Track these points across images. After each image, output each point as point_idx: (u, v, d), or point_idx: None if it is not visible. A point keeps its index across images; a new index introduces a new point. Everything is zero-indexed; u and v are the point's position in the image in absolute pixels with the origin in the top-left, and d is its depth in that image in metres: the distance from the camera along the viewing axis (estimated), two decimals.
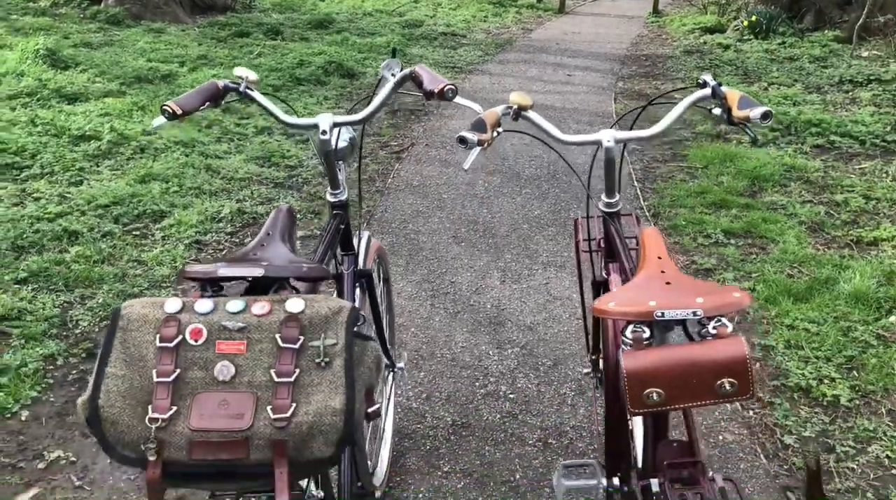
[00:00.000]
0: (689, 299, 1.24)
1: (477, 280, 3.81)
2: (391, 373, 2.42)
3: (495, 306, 3.56)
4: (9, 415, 2.71)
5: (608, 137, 1.87)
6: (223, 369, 1.10)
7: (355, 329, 1.16)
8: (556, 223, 4.48)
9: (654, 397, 1.17)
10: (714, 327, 1.22)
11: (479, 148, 1.77)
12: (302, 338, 1.12)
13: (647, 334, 1.24)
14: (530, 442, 2.65)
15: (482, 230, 4.40)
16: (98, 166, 5.07)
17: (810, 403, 2.88)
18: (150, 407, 1.08)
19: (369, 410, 1.16)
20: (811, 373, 3.02)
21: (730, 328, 1.22)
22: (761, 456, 2.62)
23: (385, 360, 2.36)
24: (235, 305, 1.14)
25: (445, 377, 3.01)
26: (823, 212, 4.63)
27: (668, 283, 1.32)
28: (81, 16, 10.90)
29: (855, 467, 2.56)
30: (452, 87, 1.80)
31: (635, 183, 5.25)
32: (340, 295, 1.95)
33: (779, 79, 8.26)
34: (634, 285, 1.37)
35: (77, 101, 6.49)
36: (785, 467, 2.57)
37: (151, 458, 1.06)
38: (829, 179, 5.18)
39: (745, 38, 10.92)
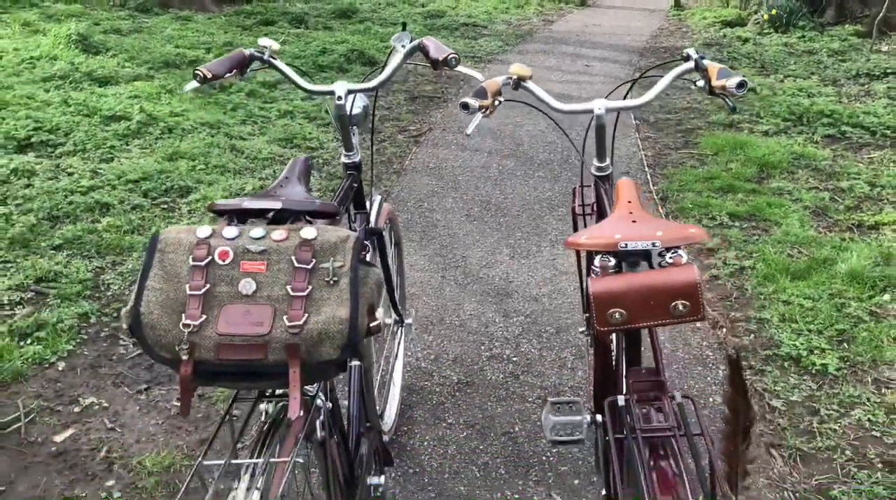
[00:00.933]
0: (650, 233, 1.41)
1: (487, 255, 3.98)
2: (400, 328, 2.60)
3: (503, 279, 3.73)
4: (47, 365, 2.92)
5: (599, 105, 2.03)
6: (246, 285, 1.28)
7: (363, 257, 1.35)
8: (566, 204, 4.63)
9: (617, 317, 1.34)
10: (671, 257, 1.39)
11: (480, 113, 1.94)
12: (314, 260, 1.30)
13: (612, 262, 1.41)
14: (530, 400, 2.82)
15: (494, 210, 4.56)
16: (128, 145, 5.29)
17: (799, 371, 3.03)
18: (183, 315, 1.26)
19: (371, 324, 1.33)
20: (802, 344, 3.16)
21: (684, 258, 1.38)
22: None
23: (394, 315, 2.54)
24: (257, 232, 1.32)
25: (453, 341, 3.19)
26: (828, 197, 4.74)
27: (633, 221, 1.49)
28: (112, 3, 11.16)
29: (837, 428, 2.71)
30: (455, 55, 1.97)
31: (646, 168, 5.39)
32: None
33: (795, 71, 8.32)
34: (604, 223, 1.55)
35: (107, 84, 6.72)
36: (771, 427, 2.72)
37: (184, 357, 1.25)
38: (836, 167, 5.28)
39: (765, 31, 10.97)
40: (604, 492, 1.74)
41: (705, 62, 1.98)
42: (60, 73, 6.83)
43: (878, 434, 2.67)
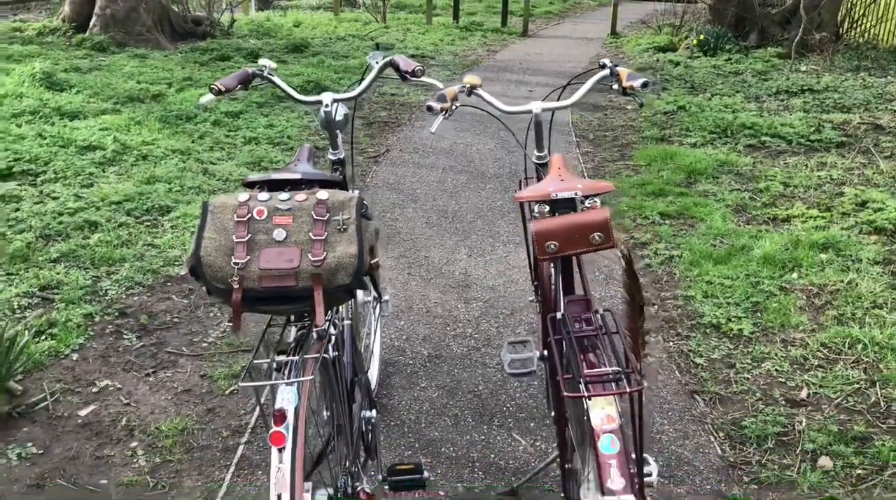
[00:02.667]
0: (573, 186, 1.88)
1: (447, 255, 4.44)
2: (379, 304, 3.04)
3: (462, 274, 4.19)
4: (62, 356, 3.28)
5: (537, 106, 2.51)
6: (278, 234, 1.70)
7: (363, 212, 1.79)
8: (515, 210, 5.13)
9: (552, 247, 1.80)
10: (589, 203, 1.86)
11: (442, 114, 2.41)
12: (328, 214, 1.73)
13: (547, 209, 1.88)
14: (490, 367, 3.27)
15: (451, 217, 5.04)
16: (104, 172, 5.64)
17: (719, 336, 3.54)
18: (232, 257, 1.68)
19: (371, 261, 1.77)
20: (722, 314, 3.68)
21: (598, 204, 1.86)
22: (676, 372, 3.26)
23: (373, 292, 2.98)
24: (284, 195, 1.75)
25: (422, 324, 3.63)
26: (748, 197, 5.33)
27: (562, 180, 1.96)
28: (67, 44, 11.44)
29: (749, 377, 3.21)
30: (421, 68, 2.45)
31: (586, 177, 5.92)
32: None
33: (722, 90, 9.03)
34: (541, 183, 2.01)
35: (77, 118, 7.05)
36: (694, 379, 3.21)
37: (235, 287, 1.66)
38: (756, 172, 5.90)
39: (694, 55, 11.74)
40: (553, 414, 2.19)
41: (617, 69, 2.48)
42: (30, 110, 7.15)
43: (783, 380, 3.18)
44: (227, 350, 3.38)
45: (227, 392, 3.09)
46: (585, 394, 1.63)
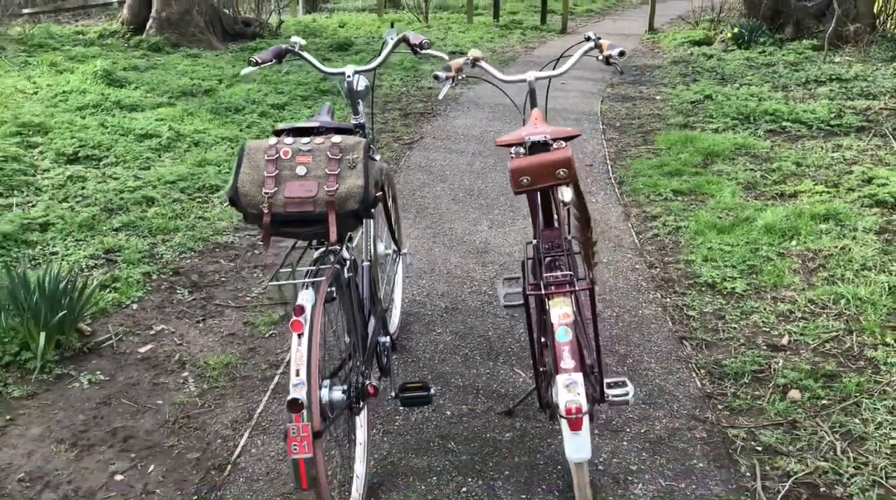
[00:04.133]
0: (544, 131, 2.24)
1: (470, 226, 4.82)
2: (399, 257, 3.44)
3: (483, 242, 4.56)
4: (124, 306, 3.75)
5: (532, 76, 2.87)
6: (300, 170, 2.10)
7: (370, 154, 2.18)
8: None
9: (525, 181, 2.15)
10: (556, 145, 2.21)
11: (449, 82, 2.79)
12: (341, 154, 2.12)
13: (522, 150, 2.23)
14: (500, 316, 3.64)
15: (477, 194, 5.41)
16: (160, 157, 6.16)
17: (713, 293, 3.85)
18: (263, 188, 2.08)
19: (376, 194, 2.16)
20: (718, 275, 3.98)
21: (564, 145, 2.21)
22: (669, 322, 3.58)
23: (394, 246, 3.37)
24: (305, 139, 2.14)
25: (442, 283, 4.02)
26: (759, 175, 5.60)
27: (535, 127, 2.32)
28: (126, 45, 12.12)
29: (736, 327, 3.52)
30: (428, 41, 2.84)
31: (608, 161, 6.24)
32: None
33: (751, 81, 9.22)
34: (519, 130, 2.37)
35: (135, 110, 7.62)
36: (684, 327, 3.53)
37: (265, 211, 2.06)
38: (772, 154, 6.14)
39: (729, 48, 11.91)
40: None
41: (600, 41, 2.83)
42: (93, 103, 7.73)
43: (767, 330, 3.49)
44: (268, 303, 3.81)
45: (266, 335, 3.51)
46: (543, 292, 2.00)
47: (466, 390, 3.05)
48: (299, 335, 1.98)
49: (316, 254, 2.27)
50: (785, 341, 3.38)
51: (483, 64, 2.91)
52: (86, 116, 7.28)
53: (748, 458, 2.64)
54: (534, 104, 2.94)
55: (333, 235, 2.08)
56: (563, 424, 1.89)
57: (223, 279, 4.10)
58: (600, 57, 2.85)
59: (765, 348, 3.33)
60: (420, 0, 17.08)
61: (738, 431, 2.78)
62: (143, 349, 3.39)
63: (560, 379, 1.92)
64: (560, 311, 2.00)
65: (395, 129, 7.36)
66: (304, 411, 1.90)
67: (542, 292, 2.01)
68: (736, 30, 12.16)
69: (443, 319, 3.63)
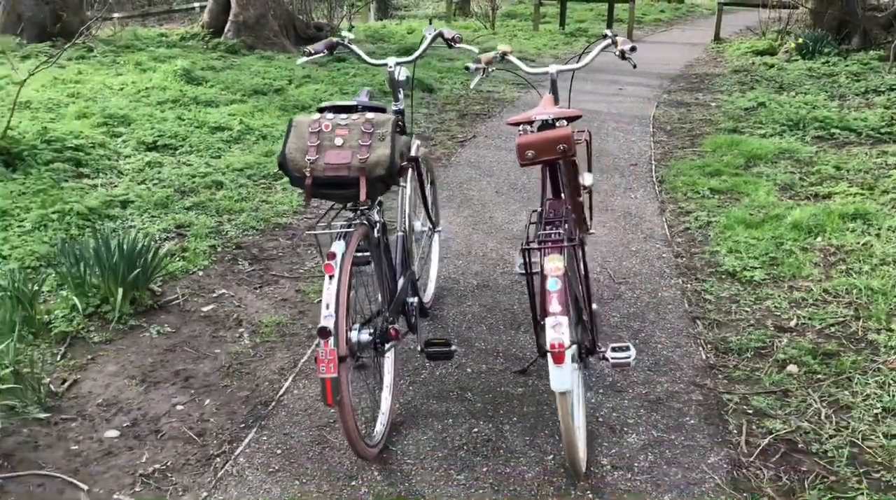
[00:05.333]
0: (548, 112, 2.55)
1: (509, 216, 5.14)
2: (434, 233, 3.80)
3: (520, 230, 4.88)
4: (191, 273, 4.19)
5: (553, 68, 3.19)
6: (338, 141, 2.47)
7: (398, 129, 2.54)
8: None
9: (530, 155, 2.46)
10: (558, 124, 2.51)
11: (480, 74, 3.13)
12: (372, 128, 2.48)
13: (529, 128, 2.55)
14: (526, 294, 3.94)
15: (519, 188, 5.73)
16: (230, 147, 6.66)
17: (733, 281, 4.08)
18: (306, 155, 2.45)
19: (402, 163, 2.51)
20: (739, 265, 4.21)
21: (565, 124, 2.51)
22: (685, 304, 3.84)
23: (429, 223, 3.72)
24: (343, 115, 2.51)
25: (476, 263, 4.35)
26: (797, 177, 5.76)
27: (543, 109, 2.63)
28: (205, 47, 12.81)
29: (749, 310, 3.75)
30: (460, 35, 3.20)
31: (652, 161, 6.48)
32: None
33: (808, 90, 9.29)
34: (528, 111, 2.68)
35: (210, 105, 8.17)
36: (699, 309, 3.78)
37: (307, 174, 2.43)
38: (815, 159, 6.28)
39: (792, 59, 11.92)
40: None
41: (616, 38, 3.13)
42: (172, 98, 8.33)
43: (778, 314, 3.71)
44: (319, 275, 4.20)
45: (315, 301, 3.90)
46: (536, 247, 2.32)
47: (488, 352, 3.38)
48: (330, 277, 2.34)
49: (350, 214, 2.64)
50: (793, 323, 3.60)
51: (511, 58, 3.24)
52: (165, 110, 7.86)
53: (737, 418, 2.89)
54: (555, 94, 3.26)
55: (363, 196, 2.44)
56: (549, 358, 2.20)
57: (280, 254, 4.52)
58: (616, 52, 3.15)
59: (772, 329, 3.56)
60: (488, 8, 17.47)
61: (732, 396, 3.03)
62: (205, 309, 3.82)
63: (548, 321, 2.23)
64: (552, 264, 2.31)
65: (451, 128, 7.73)
66: (332, 338, 2.26)
67: (534, 247, 2.33)
68: (800, 40, 12.15)
69: (474, 294, 3.96)
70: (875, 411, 2.90)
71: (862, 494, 2.46)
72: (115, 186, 5.47)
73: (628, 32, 16.04)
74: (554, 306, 2.23)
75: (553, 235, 2.40)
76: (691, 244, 4.61)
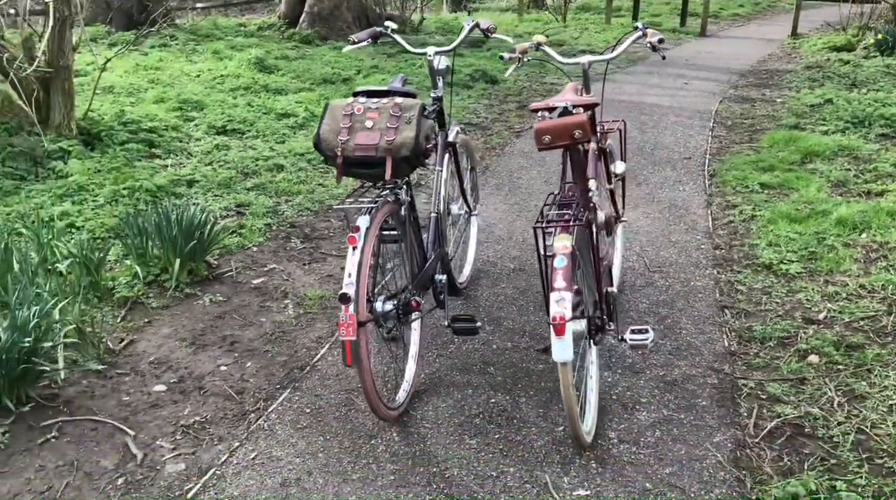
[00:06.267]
0: (566, 99, 2.67)
1: None
2: (471, 217, 3.97)
3: None
4: (246, 248, 4.46)
5: (586, 59, 3.30)
6: (368, 123, 2.66)
7: (424, 114, 2.71)
8: (626, 175, 5.83)
9: (546, 140, 2.59)
10: (575, 111, 2.64)
11: (516, 63, 3.27)
12: (400, 112, 2.66)
13: (548, 114, 2.68)
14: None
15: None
16: (295, 133, 6.95)
17: (767, 273, 4.12)
18: (339, 136, 2.65)
19: (427, 146, 2.69)
20: (777, 258, 4.24)
21: (581, 111, 2.63)
22: (716, 293, 3.90)
23: (465, 207, 3.88)
24: (374, 100, 2.70)
25: (515, 249, 4.49)
26: (852, 174, 5.70)
27: (564, 97, 2.76)
28: (280, 37, 13.23)
29: (779, 302, 3.80)
30: (494, 26, 3.35)
31: (707, 155, 6.48)
32: (439, 157, 3.50)
33: (882, 87, 9.05)
34: (549, 99, 2.82)
35: (279, 93, 8.51)
36: (730, 299, 3.84)
37: (339, 154, 2.63)
38: (874, 156, 6.18)
39: (871, 55, 11.58)
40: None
41: (647, 30, 3.23)
42: (244, 86, 8.70)
43: (808, 306, 3.74)
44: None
45: None
46: (543, 226, 2.46)
47: (514, 331, 3.53)
48: (353, 248, 2.54)
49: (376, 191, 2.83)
50: (821, 316, 3.64)
51: (546, 48, 3.37)
52: (237, 96, 8.23)
53: (750, 402, 2.97)
54: (587, 85, 3.37)
55: (388, 175, 2.63)
56: (551, 330, 2.34)
57: (331, 234, 4.75)
58: (647, 45, 3.25)
59: (800, 320, 3.60)
60: (561, 1, 17.45)
61: (748, 381, 3.11)
62: (256, 281, 4.08)
63: (552, 296, 2.37)
64: (560, 243, 2.44)
65: (509, 119, 7.86)
66: (352, 304, 2.46)
67: (542, 226, 2.48)
68: (880, 36, 11.79)
69: (509, 277, 4.11)
70: (890, 402, 2.94)
71: (860, 477, 2.52)
72: (184, 166, 5.81)
73: (702, 27, 15.83)
74: (559, 281, 2.37)
75: (561, 215, 2.54)
76: (732, 237, 4.65)
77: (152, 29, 8.83)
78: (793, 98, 8.80)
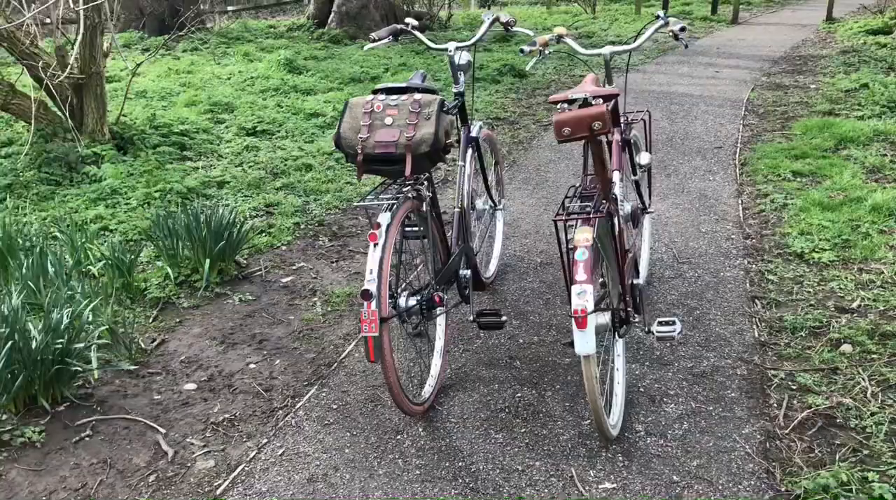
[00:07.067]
0: (584, 90, 2.65)
1: None
2: (497, 211, 3.96)
3: None
4: (275, 247, 4.51)
5: (607, 50, 3.27)
6: (388, 120, 2.67)
7: (443, 110, 2.71)
8: (656, 166, 5.78)
9: (566, 132, 2.58)
10: (593, 102, 2.61)
11: (538, 56, 3.26)
12: (420, 108, 2.67)
13: (566, 106, 2.66)
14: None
15: None
16: (323, 133, 6.99)
17: (799, 262, 4.05)
18: (358, 134, 2.67)
19: (447, 141, 2.69)
20: (809, 246, 4.17)
21: (600, 102, 2.61)
22: (747, 284, 3.85)
23: (490, 202, 3.88)
24: (394, 96, 2.71)
25: (542, 242, 4.48)
26: (888, 160, 5.58)
27: (583, 89, 2.74)
28: (310, 37, 13.33)
29: (811, 291, 3.73)
30: (514, 19, 3.33)
31: (738, 144, 6.39)
32: (462, 152, 3.50)
33: None
34: (569, 90, 2.80)
35: (308, 94, 8.57)
36: (760, 289, 3.79)
37: (359, 151, 2.65)
38: None
39: None
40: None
41: (669, 19, 3.19)
42: (273, 87, 8.78)
43: (841, 296, 3.68)
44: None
45: None
46: (564, 218, 2.45)
47: (541, 325, 3.52)
48: (374, 244, 2.55)
49: (397, 188, 2.84)
50: (855, 305, 3.57)
51: (567, 40, 3.34)
52: (266, 97, 8.31)
53: (780, 393, 2.93)
54: (609, 75, 3.35)
55: (408, 171, 2.64)
56: (573, 323, 2.33)
57: (358, 232, 4.78)
58: (668, 31, 3.22)
59: (832, 309, 3.54)
60: None
61: (778, 372, 3.07)
62: (285, 280, 4.12)
63: (574, 288, 2.36)
64: (581, 236, 2.43)
65: (537, 113, 7.83)
66: (374, 300, 2.47)
67: (562, 218, 2.47)
68: None
69: (536, 271, 4.10)
70: None
71: (894, 468, 2.47)
72: (214, 167, 5.88)
73: (734, 15, 15.60)
74: (580, 274, 2.36)
75: (580, 208, 2.53)
76: (763, 226, 4.58)
77: (181, 33, 8.95)
78: (827, 84, 8.64)
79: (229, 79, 9.36)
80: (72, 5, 4.74)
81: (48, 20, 6.38)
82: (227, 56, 11.21)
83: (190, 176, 5.54)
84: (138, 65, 6.65)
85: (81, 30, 4.96)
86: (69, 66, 5.11)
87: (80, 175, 5.40)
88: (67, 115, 5.66)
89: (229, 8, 17.38)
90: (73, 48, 5.38)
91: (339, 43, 12.71)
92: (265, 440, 2.78)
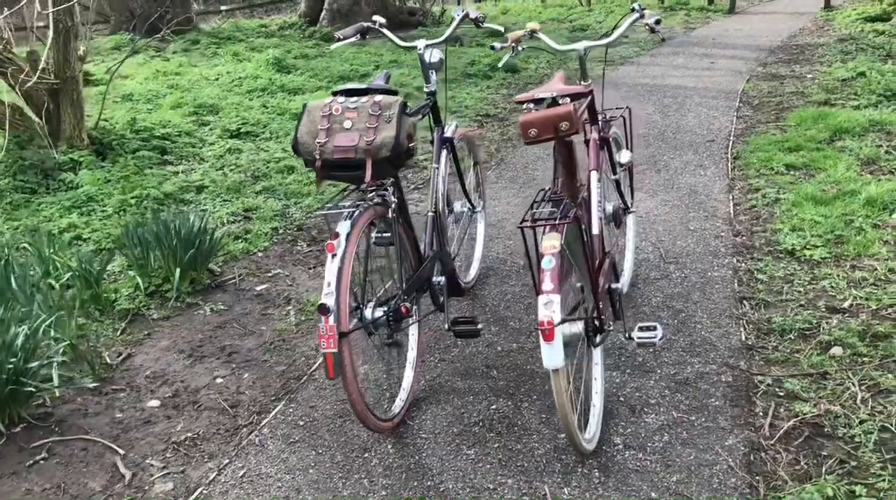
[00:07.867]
0: (551, 89, 2.52)
1: None
2: (475, 213, 3.83)
3: None
4: (251, 253, 4.39)
5: (582, 45, 3.14)
6: (347, 123, 2.54)
7: (405, 111, 2.58)
8: (648, 167, 5.65)
9: (532, 133, 2.45)
10: (560, 101, 2.49)
11: (509, 53, 3.12)
12: (380, 111, 2.54)
13: (532, 106, 2.53)
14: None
15: (584, 169, 5.65)
16: None
17: (790, 260, 3.92)
18: (316, 139, 2.54)
19: (409, 145, 2.57)
20: (800, 243, 4.04)
21: (567, 101, 2.48)
22: (735, 284, 3.72)
23: (468, 204, 3.75)
24: (353, 99, 2.58)
25: None
26: (883, 151, 5.44)
27: (549, 88, 2.61)
28: (301, 35, 13.21)
29: (801, 290, 3.60)
30: (483, 16, 3.21)
31: (731, 137, 6.25)
32: (435, 154, 3.37)
33: None
34: (535, 89, 2.67)
35: (296, 93, 8.45)
36: (749, 289, 3.66)
37: (317, 157, 2.52)
38: None
39: None
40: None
41: (644, 11, 3.06)
42: (261, 87, 8.66)
43: (833, 294, 3.54)
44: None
45: None
46: (530, 225, 2.33)
47: (520, 331, 3.39)
48: (332, 255, 2.43)
49: (357, 195, 2.71)
50: (847, 304, 3.44)
51: (540, 35, 3.21)
52: (252, 98, 8.20)
53: (766, 401, 2.80)
54: (584, 72, 3.21)
55: (368, 177, 2.51)
56: (540, 335, 2.21)
57: None
58: (644, 24, 3.09)
59: (823, 309, 3.41)
60: None
61: (765, 378, 2.94)
62: (259, 288, 4.00)
63: (540, 299, 2.24)
64: (548, 243, 2.31)
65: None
66: (332, 314, 2.35)
67: (528, 225, 2.34)
68: None
69: (518, 274, 3.97)
70: None
71: (882, 480, 2.35)
72: (194, 171, 5.77)
73: (730, 4, 15.43)
74: (547, 284, 2.24)
75: (545, 214, 2.40)
76: (754, 223, 4.45)
77: (163, 35, 8.83)
78: (824, 73, 8.49)
79: (217, 80, 9.24)
80: (39, 9, 4.62)
81: (26, 26, 6.28)
82: (217, 56, 11.09)
83: (168, 181, 5.43)
84: (118, 66, 6.53)
85: (51, 34, 4.84)
86: (39, 71, 4.99)
87: (56, 182, 5.29)
88: (44, 121, 5.54)
89: (223, 7, 17.26)
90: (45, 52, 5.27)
91: (330, 41, 12.52)
92: (226, 461, 2.66)
